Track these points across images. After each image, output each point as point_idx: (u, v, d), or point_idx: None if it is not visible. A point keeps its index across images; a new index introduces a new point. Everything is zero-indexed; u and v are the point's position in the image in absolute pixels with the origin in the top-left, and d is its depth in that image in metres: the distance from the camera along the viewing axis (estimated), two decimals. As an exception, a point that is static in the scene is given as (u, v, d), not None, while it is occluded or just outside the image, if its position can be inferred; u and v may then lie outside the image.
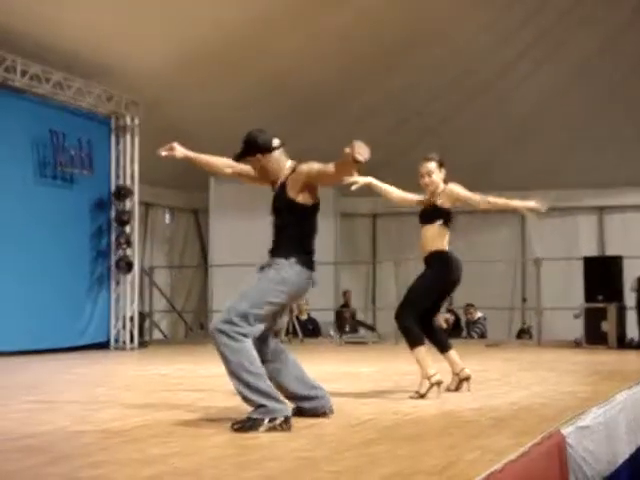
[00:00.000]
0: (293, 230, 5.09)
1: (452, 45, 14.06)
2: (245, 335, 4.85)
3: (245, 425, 4.75)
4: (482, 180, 16.60)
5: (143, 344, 14.11)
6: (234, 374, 4.84)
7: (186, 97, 13.71)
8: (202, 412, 5.61)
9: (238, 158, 5.37)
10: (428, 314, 6.82)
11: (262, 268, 5.09)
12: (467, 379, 6.76)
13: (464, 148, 15.78)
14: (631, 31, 13.76)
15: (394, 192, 7.03)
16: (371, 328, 16.81)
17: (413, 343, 6.49)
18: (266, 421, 4.74)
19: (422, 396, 6.30)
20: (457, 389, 6.73)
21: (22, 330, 11.68)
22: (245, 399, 4.86)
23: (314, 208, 5.15)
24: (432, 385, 6.36)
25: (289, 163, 5.19)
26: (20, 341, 11.64)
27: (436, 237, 6.67)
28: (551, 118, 15.45)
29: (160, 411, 5.71)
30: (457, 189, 6.71)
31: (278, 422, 4.75)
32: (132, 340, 13.75)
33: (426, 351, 6.48)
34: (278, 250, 5.09)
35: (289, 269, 5.00)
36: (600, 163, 15.81)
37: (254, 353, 4.89)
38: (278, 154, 5.20)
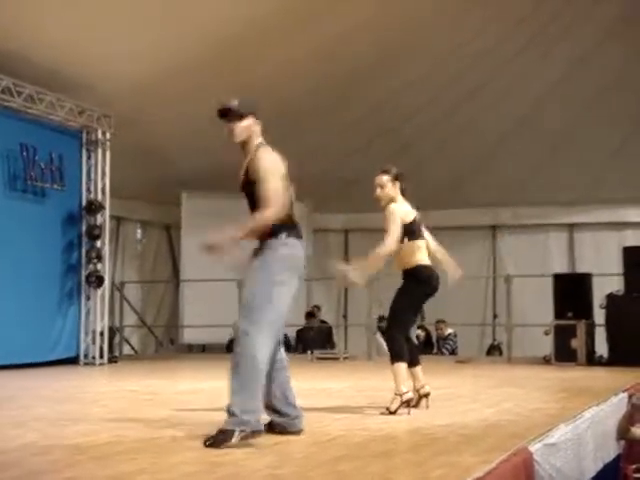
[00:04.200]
0: None
1: (425, 65, 14.14)
2: (265, 334, 4.85)
3: (217, 439, 4.74)
4: (455, 196, 16.86)
5: (113, 359, 14.02)
6: (238, 369, 4.82)
7: (159, 111, 13.69)
8: (172, 428, 5.59)
9: (235, 114, 5.10)
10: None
11: (255, 254, 5.05)
12: (427, 396, 6.74)
13: (437, 165, 15.89)
14: (602, 53, 13.88)
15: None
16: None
17: (395, 357, 6.51)
18: (237, 432, 4.73)
19: (392, 413, 6.32)
20: (416, 405, 6.70)
21: (-9, 345, 11.58)
22: (232, 392, 4.82)
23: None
24: (403, 403, 6.38)
25: (259, 140, 5.13)
26: (-11, 356, 11.54)
27: (405, 254, 6.68)
28: (523, 136, 15.56)
29: (129, 427, 5.68)
30: (389, 215, 6.60)
31: (249, 431, 4.76)
32: (102, 355, 13.64)
33: (405, 369, 6.50)
34: (262, 236, 5.03)
35: (283, 247, 5.00)
36: (571, 181, 15.96)
37: (267, 358, 4.90)
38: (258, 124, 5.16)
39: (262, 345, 4.84)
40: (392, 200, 6.72)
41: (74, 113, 13.30)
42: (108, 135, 13.82)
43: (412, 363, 6.76)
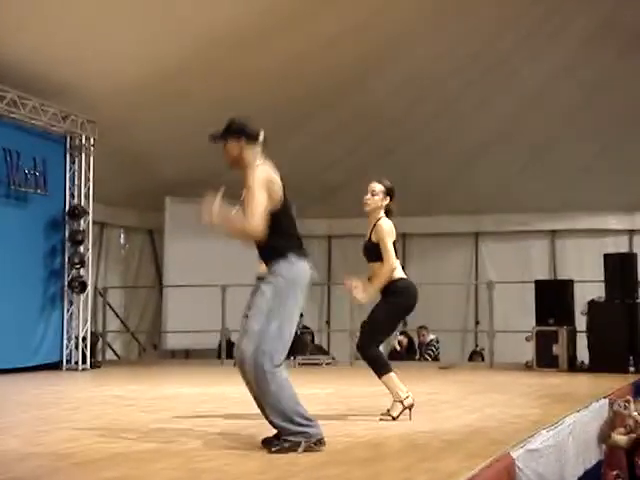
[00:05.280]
0: (273, 238, 4.99)
1: (408, 70, 14.19)
2: (281, 362, 4.86)
3: (283, 447, 4.76)
4: (437, 203, 16.91)
5: (95, 365, 13.98)
6: (274, 408, 4.85)
7: (142, 117, 13.67)
8: (155, 434, 5.58)
9: (219, 137, 5.12)
10: None
11: (261, 278, 5.02)
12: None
13: (420, 171, 15.91)
14: (584, 62, 13.95)
15: None
16: (326, 353, 16.80)
17: (381, 371, 6.49)
18: (303, 442, 4.79)
19: (394, 418, 6.33)
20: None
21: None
22: (284, 431, 4.84)
23: (283, 209, 5.06)
24: (405, 408, 6.40)
25: (258, 162, 5.08)
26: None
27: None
28: (505, 142, 15.62)
29: (112, 433, 5.67)
30: (382, 231, 6.59)
31: (313, 441, 4.83)
32: (84, 361, 13.60)
33: (394, 376, 6.49)
34: (270, 257, 5.02)
35: (290, 266, 4.98)
36: (553, 188, 16.03)
37: (289, 380, 4.93)
38: (258, 149, 5.12)
39: (278, 366, 4.86)
40: (377, 209, 6.72)
41: (58, 118, 13.27)
42: (92, 140, 13.78)
43: None
